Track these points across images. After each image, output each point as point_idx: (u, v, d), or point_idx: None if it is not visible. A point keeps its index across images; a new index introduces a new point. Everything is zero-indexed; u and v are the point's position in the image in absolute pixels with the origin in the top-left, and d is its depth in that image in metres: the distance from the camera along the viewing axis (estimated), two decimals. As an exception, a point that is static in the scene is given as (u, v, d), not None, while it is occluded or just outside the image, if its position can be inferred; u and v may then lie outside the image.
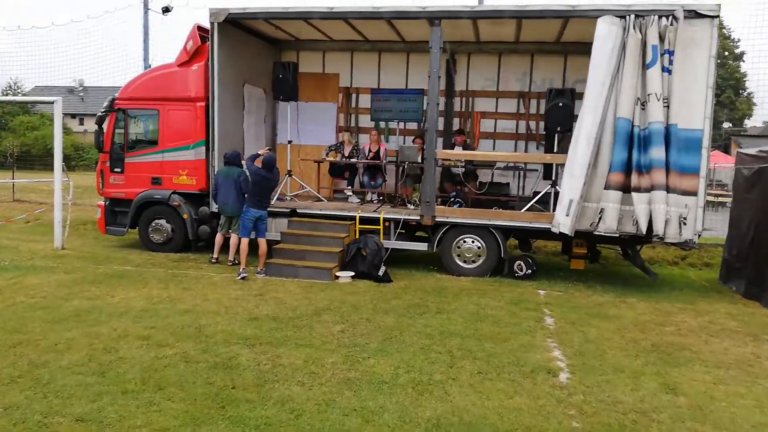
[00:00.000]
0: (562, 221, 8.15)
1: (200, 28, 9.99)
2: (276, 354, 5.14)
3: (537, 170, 10.30)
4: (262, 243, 8.56)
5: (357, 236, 9.10)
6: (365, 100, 11.81)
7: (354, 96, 11.99)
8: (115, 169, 10.25)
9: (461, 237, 9.11)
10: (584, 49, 8.59)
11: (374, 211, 9.37)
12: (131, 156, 10.22)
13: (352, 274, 8.40)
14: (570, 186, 8.06)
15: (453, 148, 10.24)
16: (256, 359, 4.99)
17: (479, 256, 9.07)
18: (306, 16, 9.29)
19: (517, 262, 9.02)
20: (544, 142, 11.00)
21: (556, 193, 8.77)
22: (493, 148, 11.31)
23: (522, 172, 10.85)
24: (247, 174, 9.08)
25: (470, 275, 8.93)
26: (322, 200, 10.63)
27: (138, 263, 8.90)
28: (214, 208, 9.50)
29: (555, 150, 9.34)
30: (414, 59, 11.44)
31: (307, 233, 9.14)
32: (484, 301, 7.30)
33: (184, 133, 9.96)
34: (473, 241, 9.08)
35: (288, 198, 10.44)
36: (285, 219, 9.51)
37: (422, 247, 9.35)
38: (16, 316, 5.90)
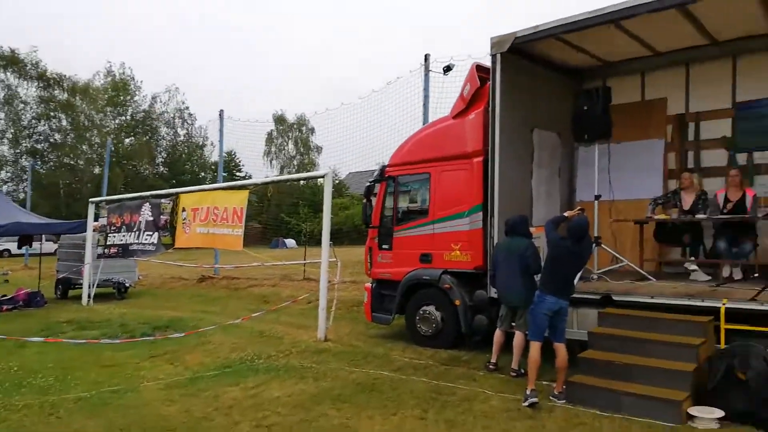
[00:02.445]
0: None
1: (479, 68, 8.01)
2: None
3: None
4: (561, 351, 5.66)
5: (723, 344, 5.45)
6: (711, 129, 8.09)
7: (692, 125, 8.33)
8: (384, 246, 8.77)
9: None
10: None
11: (754, 298, 5.57)
12: (400, 230, 8.60)
13: (721, 414, 4.79)
14: None
15: None
16: None
17: None
18: (629, 14, 6.29)
19: None
20: None
21: None
22: None
23: None
24: (535, 246, 6.48)
25: None
26: (649, 279, 7.22)
27: (398, 366, 6.92)
28: (493, 292, 7.06)
29: None
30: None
31: (631, 335, 5.85)
32: None
33: (459, 198, 7.89)
34: None
35: (594, 277, 7.34)
36: (593, 310, 6.43)
37: None
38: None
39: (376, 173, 9.05)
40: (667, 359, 5.40)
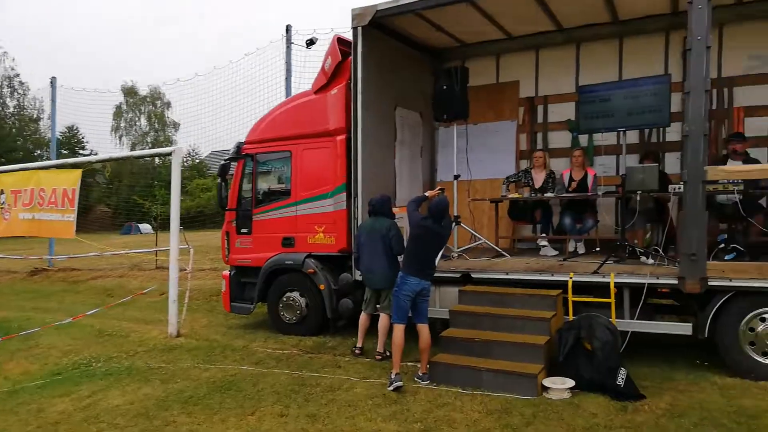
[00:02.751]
0: None
1: (341, 41, 7.68)
2: None
3: None
4: (424, 331, 5.62)
5: (571, 315, 5.78)
6: (557, 111, 8.60)
7: (541, 108, 8.78)
8: (242, 230, 8.20)
9: (756, 312, 5.30)
10: None
11: (596, 271, 5.96)
12: (260, 212, 8.09)
13: (572, 384, 5.05)
14: None
15: (725, 163, 6.46)
16: None
17: (795, 345, 5.18)
18: None
19: None
20: None
21: None
22: (770, 160, 7.29)
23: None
24: (398, 227, 6.39)
25: (779, 379, 5.12)
26: (504, 255, 7.50)
27: (259, 359, 6.50)
28: (358, 275, 6.88)
29: None
30: (631, 47, 8.00)
31: (490, 311, 6.01)
32: None
33: (322, 178, 7.57)
34: (782, 320, 5.23)
35: (455, 255, 7.48)
36: (454, 288, 6.52)
37: (683, 329, 5.69)
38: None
39: (231, 151, 8.41)
40: (522, 333, 5.60)
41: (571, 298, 5.83)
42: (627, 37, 7.99)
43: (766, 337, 5.24)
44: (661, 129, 7.84)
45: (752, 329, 5.30)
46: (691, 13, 5.17)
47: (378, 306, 6.53)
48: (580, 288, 5.89)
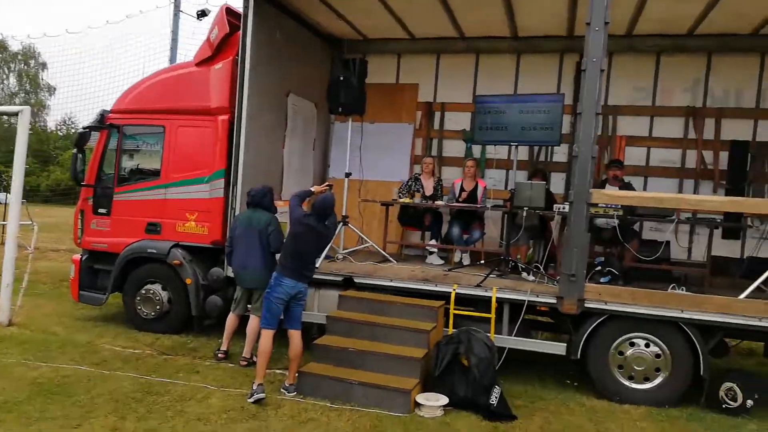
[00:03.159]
0: None
1: (231, 13, 7.01)
2: None
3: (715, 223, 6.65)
4: (296, 338, 5.12)
5: (451, 328, 5.57)
6: (454, 120, 8.49)
7: (438, 114, 8.63)
8: (100, 210, 7.22)
9: (626, 337, 5.40)
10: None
11: (479, 284, 5.81)
12: (123, 192, 7.16)
13: (445, 401, 4.81)
14: None
15: (603, 187, 6.60)
16: None
17: (658, 370, 5.33)
18: None
19: (727, 385, 5.21)
20: (725, 182, 7.43)
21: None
22: (644, 188, 7.67)
23: (692, 226, 7.39)
24: (279, 222, 5.86)
25: (642, 402, 5.23)
26: (390, 261, 7.21)
27: (103, 358, 5.64)
28: (230, 271, 6.24)
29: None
30: (528, 63, 8.09)
31: (368, 319, 5.64)
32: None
33: (199, 160, 6.84)
34: (648, 345, 5.36)
35: (339, 257, 7.07)
36: (335, 292, 6.09)
37: (557, 349, 5.69)
38: None
39: (94, 119, 7.39)
40: (400, 345, 5.28)
41: (453, 310, 5.63)
42: (524, 54, 8.08)
43: (633, 362, 5.33)
44: (550, 148, 8.01)
45: (621, 353, 5.38)
46: (589, 34, 5.16)
47: (249, 306, 5.95)
48: (462, 300, 5.71)
